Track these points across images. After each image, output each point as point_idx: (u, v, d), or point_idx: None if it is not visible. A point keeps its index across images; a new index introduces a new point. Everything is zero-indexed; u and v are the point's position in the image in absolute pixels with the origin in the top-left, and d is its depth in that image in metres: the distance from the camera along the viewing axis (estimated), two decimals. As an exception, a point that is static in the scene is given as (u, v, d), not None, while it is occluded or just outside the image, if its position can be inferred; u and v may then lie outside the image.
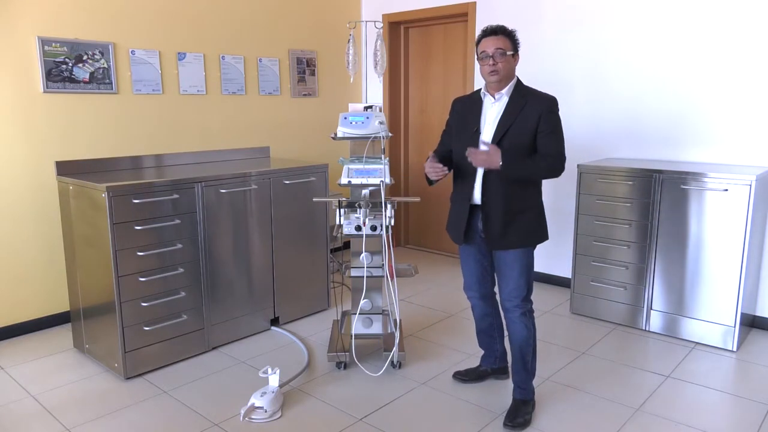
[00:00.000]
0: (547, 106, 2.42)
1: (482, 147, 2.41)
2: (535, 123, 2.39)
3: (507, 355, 2.90)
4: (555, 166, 2.40)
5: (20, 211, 3.41)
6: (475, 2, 4.50)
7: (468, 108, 2.57)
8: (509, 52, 2.42)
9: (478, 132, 2.49)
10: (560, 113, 2.45)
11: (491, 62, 2.40)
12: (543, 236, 2.55)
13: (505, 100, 2.46)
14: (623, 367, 3.08)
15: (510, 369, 2.75)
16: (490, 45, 2.41)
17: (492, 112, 2.48)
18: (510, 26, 2.49)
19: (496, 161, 2.32)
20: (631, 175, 3.46)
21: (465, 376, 2.92)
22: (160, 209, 2.98)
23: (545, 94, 2.47)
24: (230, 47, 4.28)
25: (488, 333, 2.84)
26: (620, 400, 2.72)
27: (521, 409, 2.56)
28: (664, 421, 2.56)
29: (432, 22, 5.00)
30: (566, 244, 4.09)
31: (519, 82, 2.50)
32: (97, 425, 2.53)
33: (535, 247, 2.54)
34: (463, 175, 2.55)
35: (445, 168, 2.50)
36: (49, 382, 2.92)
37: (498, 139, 2.41)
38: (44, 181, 3.45)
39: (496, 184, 2.43)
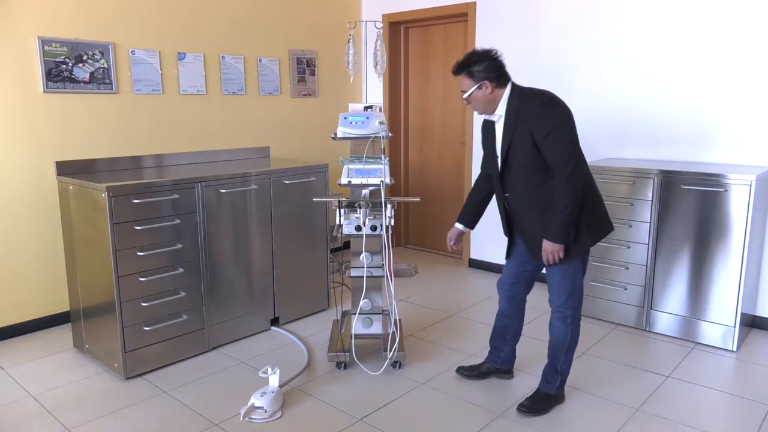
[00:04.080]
0: (536, 110, 2.30)
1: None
2: (530, 136, 2.30)
3: (513, 360, 2.91)
4: (566, 183, 2.25)
5: (20, 211, 3.41)
6: (475, 2, 4.50)
7: (487, 130, 2.57)
8: (470, 91, 2.37)
9: (495, 154, 2.49)
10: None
11: (466, 102, 2.45)
12: (584, 241, 2.42)
13: (502, 119, 2.42)
14: (623, 367, 3.08)
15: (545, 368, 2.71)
16: (460, 85, 2.43)
17: (498, 132, 2.46)
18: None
19: (557, 248, 2.34)
20: (631, 175, 3.46)
21: (468, 372, 2.93)
22: (160, 209, 2.98)
23: (536, 96, 2.35)
24: (230, 47, 4.28)
25: (501, 332, 2.84)
26: (620, 400, 2.72)
27: (541, 399, 2.61)
28: (664, 421, 2.56)
29: (432, 22, 5.00)
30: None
31: (513, 92, 2.39)
32: (97, 425, 2.53)
33: (581, 255, 2.46)
34: (498, 198, 2.62)
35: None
36: (49, 382, 2.92)
37: (503, 160, 2.41)
38: (44, 181, 3.45)
39: (522, 203, 2.46)
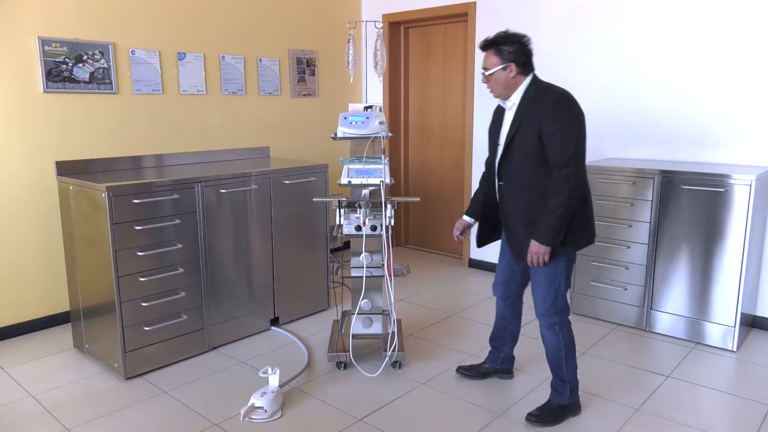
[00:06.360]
0: (549, 106, 2.25)
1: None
2: (537, 126, 2.26)
3: (512, 361, 2.92)
4: (563, 184, 2.20)
5: (20, 211, 3.41)
6: (475, 2, 4.50)
7: (496, 117, 2.54)
8: (494, 70, 2.32)
9: (497, 142, 2.46)
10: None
11: (484, 80, 2.38)
12: (568, 244, 2.35)
13: (515, 107, 2.37)
14: (623, 367, 3.08)
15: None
16: (483, 62, 2.38)
17: (507, 120, 2.42)
18: (510, 26, 2.46)
19: (543, 250, 2.29)
20: (631, 175, 3.46)
21: (468, 372, 2.93)
22: (160, 209, 2.98)
23: (552, 93, 2.30)
24: (230, 47, 4.28)
25: (500, 333, 2.85)
26: (620, 400, 2.72)
27: (552, 410, 2.54)
28: (664, 421, 2.56)
29: (432, 22, 5.00)
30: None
31: (532, 82, 2.35)
32: (97, 425, 2.53)
33: (564, 257, 2.39)
34: (490, 186, 2.60)
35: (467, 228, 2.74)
36: (49, 382, 2.92)
37: (506, 147, 2.36)
38: (44, 181, 3.45)
39: (513, 195, 2.41)
